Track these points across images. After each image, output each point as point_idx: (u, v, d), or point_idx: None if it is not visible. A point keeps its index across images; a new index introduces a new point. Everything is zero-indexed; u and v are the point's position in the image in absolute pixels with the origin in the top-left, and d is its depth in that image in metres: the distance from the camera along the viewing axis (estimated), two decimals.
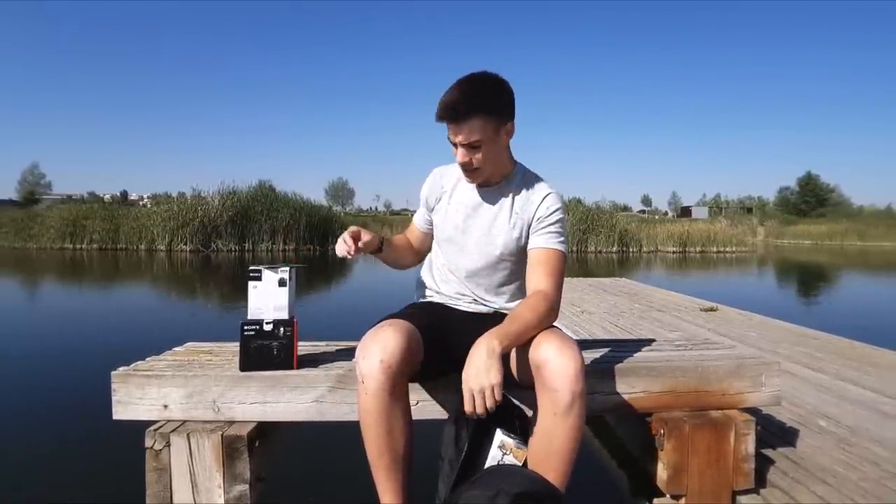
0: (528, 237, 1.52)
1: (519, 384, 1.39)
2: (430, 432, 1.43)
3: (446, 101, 1.37)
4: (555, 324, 1.45)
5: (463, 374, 1.24)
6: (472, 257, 1.55)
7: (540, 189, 1.53)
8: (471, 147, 1.40)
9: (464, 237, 1.56)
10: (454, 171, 1.59)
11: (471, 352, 1.26)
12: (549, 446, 1.26)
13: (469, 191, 1.57)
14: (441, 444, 1.34)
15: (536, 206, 1.50)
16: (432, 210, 1.64)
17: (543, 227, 1.49)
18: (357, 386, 1.29)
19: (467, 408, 1.21)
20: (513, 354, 1.40)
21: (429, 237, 1.69)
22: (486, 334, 1.27)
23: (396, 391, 1.26)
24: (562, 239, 1.50)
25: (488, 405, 1.19)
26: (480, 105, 1.37)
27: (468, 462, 1.29)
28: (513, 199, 1.53)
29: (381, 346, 1.25)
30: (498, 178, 1.54)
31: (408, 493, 1.33)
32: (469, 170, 1.45)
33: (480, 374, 1.20)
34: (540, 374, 1.27)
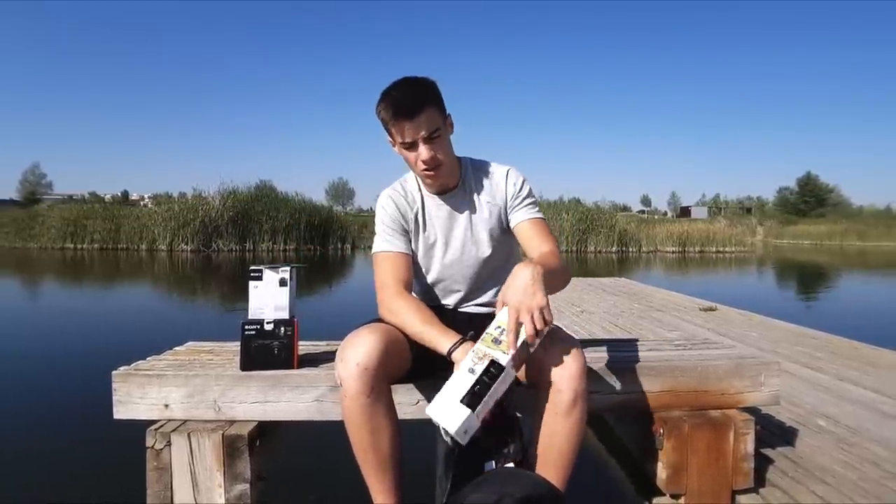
0: (507, 219, 1.56)
1: (522, 381, 1.39)
2: (428, 432, 1.44)
3: (398, 99, 1.37)
4: (555, 323, 1.45)
5: (503, 295, 1.20)
6: (461, 265, 1.56)
7: (498, 170, 1.57)
8: (431, 139, 1.39)
9: (448, 250, 1.56)
10: (411, 188, 1.57)
11: (512, 275, 1.21)
12: (550, 445, 1.27)
13: (436, 204, 1.55)
14: (436, 444, 1.35)
15: (504, 188, 1.54)
16: (410, 230, 1.55)
17: (519, 203, 1.54)
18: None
19: (524, 329, 1.15)
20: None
21: (410, 260, 1.54)
22: (524, 262, 1.24)
23: (376, 393, 1.26)
24: (538, 208, 1.56)
25: (538, 326, 1.15)
26: (428, 96, 1.39)
27: (463, 462, 1.29)
28: (478, 192, 1.55)
29: (358, 350, 1.25)
30: (454, 179, 1.54)
31: (401, 492, 1.33)
32: (434, 167, 1.43)
33: (528, 295, 1.16)
34: (542, 373, 1.27)
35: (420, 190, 1.56)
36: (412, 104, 1.36)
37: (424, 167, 1.42)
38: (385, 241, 1.52)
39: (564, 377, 1.25)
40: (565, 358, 1.26)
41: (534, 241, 1.50)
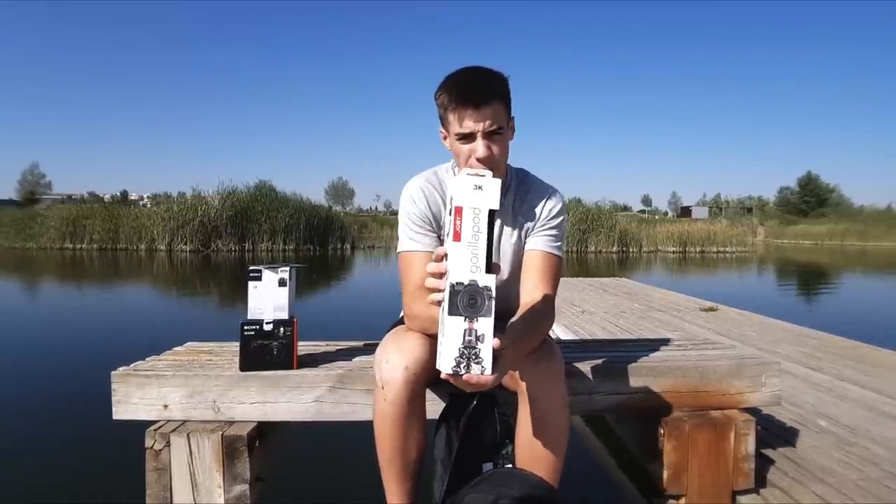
0: (525, 241, 1.42)
1: (505, 388, 1.37)
2: (429, 432, 1.43)
3: (467, 83, 1.24)
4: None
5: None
6: None
7: (541, 189, 1.43)
8: (492, 136, 1.25)
9: None
10: (447, 186, 1.40)
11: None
12: (532, 454, 1.24)
13: None
14: (433, 445, 1.34)
15: (540, 209, 1.40)
16: (439, 231, 1.39)
17: (544, 229, 1.40)
18: (375, 390, 1.26)
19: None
20: None
21: None
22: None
23: (416, 399, 1.23)
24: (560, 244, 1.41)
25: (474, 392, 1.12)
26: (499, 89, 1.26)
27: (459, 463, 1.29)
28: (516, 208, 1.42)
29: (405, 354, 1.20)
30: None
31: (416, 496, 1.32)
32: (489, 168, 1.24)
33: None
34: (520, 381, 1.24)
35: None
36: (481, 93, 1.22)
37: (479, 165, 1.26)
38: (410, 240, 1.36)
39: (542, 383, 1.21)
40: (543, 364, 1.21)
41: (533, 277, 1.35)
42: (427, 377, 1.24)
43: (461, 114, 1.24)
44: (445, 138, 1.33)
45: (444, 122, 1.31)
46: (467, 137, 1.26)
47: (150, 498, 1.45)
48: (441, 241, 1.40)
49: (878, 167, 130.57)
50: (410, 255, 1.35)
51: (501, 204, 1.41)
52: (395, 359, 1.21)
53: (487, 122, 1.24)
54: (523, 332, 1.19)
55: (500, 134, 1.27)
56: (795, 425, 2.10)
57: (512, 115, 1.33)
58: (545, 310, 1.30)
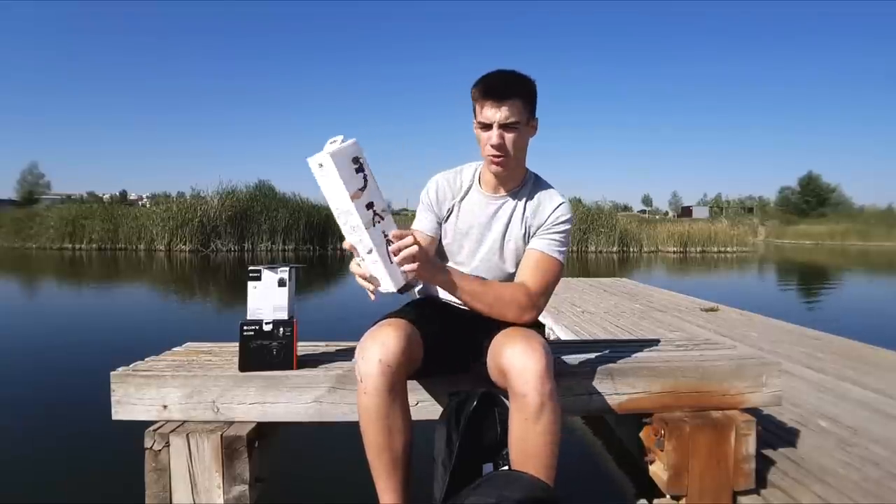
0: (529, 241, 1.50)
1: (498, 386, 1.37)
2: (428, 432, 1.43)
3: (491, 78, 1.41)
4: (548, 324, 1.43)
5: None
6: (481, 268, 1.52)
7: (552, 196, 1.52)
8: (508, 128, 1.39)
9: (476, 247, 1.52)
10: (464, 178, 1.56)
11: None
12: (524, 451, 1.24)
13: (481, 199, 1.53)
14: (434, 445, 1.34)
15: (548, 214, 1.49)
16: (443, 216, 1.55)
17: (549, 232, 1.48)
18: (356, 386, 1.28)
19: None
20: (490, 357, 1.38)
21: (435, 242, 1.56)
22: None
23: (395, 391, 1.25)
24: (563, 249, 1.48)
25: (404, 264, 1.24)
26: (521, 88, 1.40)
27: (460, 463, 1.28)
28: (525, 206, 1.51)
29: (380, 346, 1.24)
30: (514, 184, 1.51)
31: (407, 493, 1.32)
32: (502, 155, 1.41)
33: (430, 263, 1.28)
34: (506, 379, 1.25)
35: (472, 184, 1.54)
36: (502, 88, 1.38)
37: (492, 152, 1.40)
38: (417, 220, 1.56)
39: (527, 380, 1.21)
40: (526, 361, 1.22)
41: (524, 271, 1.45)
42: (404, 370, 1.28)
43: (483, 104, 1.39)
44: (476, 127, 1.45)
45: (474, 113, 1.44)
46: (487, 127, 1.40)
47: (150, 498, 1.44)
48: (439, 225, 1.56)
49: (879, 167, 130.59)
50: (413, 230, 1.52)
51: (515, 199, 1.51)
52: (370, 352, 1.25)
53: (504, 114, 1.37)
54: (474, 278, 1.40)
55: (515, 127, 1.40)
56: (796, 426, 2.10)
57: (535, 117, 1.46)
58: (518, 289, 1.40)
